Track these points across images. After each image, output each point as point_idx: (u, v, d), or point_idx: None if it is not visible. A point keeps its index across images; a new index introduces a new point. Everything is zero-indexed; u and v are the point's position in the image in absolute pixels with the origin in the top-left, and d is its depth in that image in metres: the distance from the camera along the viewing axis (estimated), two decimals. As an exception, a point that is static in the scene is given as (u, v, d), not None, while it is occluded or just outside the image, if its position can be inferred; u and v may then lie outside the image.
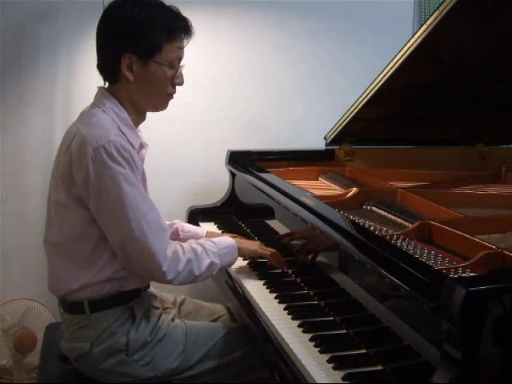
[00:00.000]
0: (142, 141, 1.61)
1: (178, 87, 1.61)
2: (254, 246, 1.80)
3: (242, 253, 1.75)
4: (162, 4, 1.55)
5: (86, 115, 1.56)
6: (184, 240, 1.89)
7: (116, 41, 1.52)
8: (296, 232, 1.87)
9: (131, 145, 1.53)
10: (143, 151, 1.64)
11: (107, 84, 1.60)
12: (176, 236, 1.93)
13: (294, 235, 1.89)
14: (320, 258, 1.71)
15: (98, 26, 1.56)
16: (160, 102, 1.60)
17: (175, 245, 1.57)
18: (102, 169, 1.44)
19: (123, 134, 1.52)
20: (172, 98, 1.62)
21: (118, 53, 1.51)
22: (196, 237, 1.93)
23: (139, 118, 1.62)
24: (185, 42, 1.57)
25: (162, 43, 1.52)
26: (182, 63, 1.59)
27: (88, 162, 1.44)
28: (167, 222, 1.94)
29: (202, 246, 1.63)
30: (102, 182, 1.45)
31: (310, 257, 1.74)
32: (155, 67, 1.53)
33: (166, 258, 1.51)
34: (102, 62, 1.57)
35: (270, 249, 1.80)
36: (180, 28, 1.54)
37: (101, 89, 1.60)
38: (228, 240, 1.72)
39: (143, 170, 1.60)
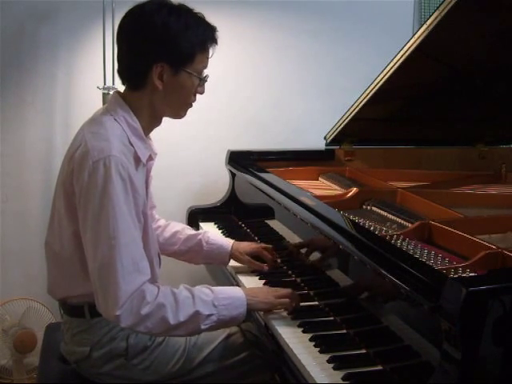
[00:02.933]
0: (151, 151, 1.57)
1: None
2: (268, 297, 1.53)
3: (253, 307, 1.51)
4: (193, 12, 1.51)
5: (95, 123, 1.50)
6: (208, 252, 1.85)
7: (150, 49, 1.46)
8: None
9: (138, 158, 1.49)
10: (151, 162, 1.59)
11: (124, 89, 1.55)
12: (199, 247, 1.85)
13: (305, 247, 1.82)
14: (320, 258, 1.70)
15: (128, 31, 1.50)
16: (181, 110, 1.58)
17: (146, 286, 1.39)
18: (95, 183, 1.38)
19: (132, 145, 1.47)
20: (192, 106, 1.59)
21: (151, 61, 1.46)
22: (220, 249, 1.86)
23: (154, 124, 1.58)
24: (211, 52, 1.56)
25: (195, 54, 1.49)
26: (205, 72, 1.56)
27: (85, 174, 1.39)
28: (192, 232, 1.89)
29: (191, 292, 1.44)
30: (91, 197, 1.38)
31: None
32: (185, 77, 1.50)
33: (127, 301, 1.35)
34: (128, 68, 1.52)
35: (285, 292, 1.56)
36: (211, 38, 1.53)
37: (115, 94, 1.55)
38: (234, 290, 1.52)
39: (144, 194, 1.52)
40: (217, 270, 2.03)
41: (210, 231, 1.95)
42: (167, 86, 1.49)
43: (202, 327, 1.43)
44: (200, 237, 1.87)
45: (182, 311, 1.40)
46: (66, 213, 1.48)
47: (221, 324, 1.47)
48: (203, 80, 1.55)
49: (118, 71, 1.55)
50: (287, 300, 1.54)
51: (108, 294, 1.36)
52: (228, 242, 1.90)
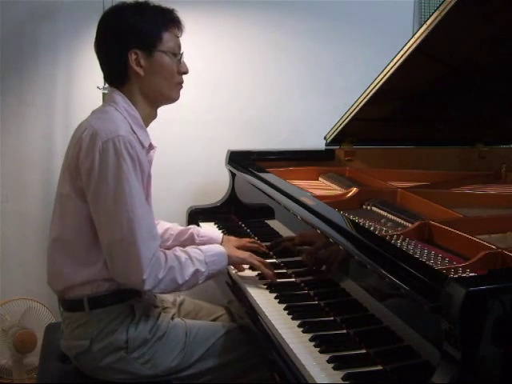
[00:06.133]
0: (151, 141, 1.64)
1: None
2: (244, 254, 1.77)
3: (231, 261, 1.72)
4: (148, 3, 1.61)
5: (98, 111, 1.61)
6: (200, 245, 1.88)
7: (118, 42, 1.57)
8: (297, 237, 1.87)
9: (141, 143, 1.56)
10: (152, 152, 1.67)
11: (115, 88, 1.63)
12: (191, 241, 1.92)
13: (295, 240, 1.87)
14: (319, 258, 1.70)
15: (97, 41, 1.61)
16: (172, 91, 1.64)
17: (158, 252, 1.54)
18: (107, 162, 1.47)
19: (134, 132, 1.55)
20: (182, 87, 1.66)
21: (124, 51, 1.56)
22: (211, 241, 1.92)
23: (151, 113, 1.66)
24: (178, 31, 1.63)
25: (160, 33, 1.58)
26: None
27: (95, 154, 1.47)
28: (182, 228, 1.97)
29: (187, 253, 1.61)
30: (104, 176, 1.47)
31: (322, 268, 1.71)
32: (161, 56, 1.59)
33: (149, 266, 1.48)
34: (108, 66, 1.62)
35: (261, 259, 1.77)
36: (171, 18, 1.61)
37: (113, 89, 1.63)
38: (217, 247, 1.70)
39: (149, 171, 1.61)
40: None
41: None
42: (148, 70, 1.58)
43: (199, 282, 1.61)
44: (191, 231, 1.94)
45: (186, 271, 1.56)
46: (71, 194, 1.55)
47: (210, 277, 1.65)
48: (179, 56, 1.62)
49: (104, 78, 1.66)
50: (258, 262, 1.73)
51: (131, 262, 1.48)
52: (218, 235, 1.98)
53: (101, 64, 1.63)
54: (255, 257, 1.77)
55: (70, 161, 1.55)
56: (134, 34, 1.56)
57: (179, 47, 1.63)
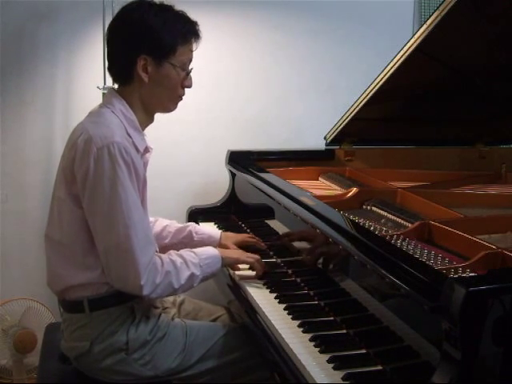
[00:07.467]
0: (147, 144, 1.63)
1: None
2: (236, 253, 1.78)
3: (225, 262, 1.72)
4: (173, 9, 1.58)
5: (94, 114, 1.58)
6: (198, 242, 1.92)
7: (132, 43, 1.54)
8: (296, 233, 1.87)
9: (136, 147, 1.55)
10: (147, 155, 1.65)
11: (117, 86, 1.62)
12: (190, 239, 1.92)
13: (293, 236, 1.89)
14: (320, 258, 1.70)
15: (111, 29, 1.59)
16: (170, 103, 1.63)
17: (155, 257, 1.53)
18: (102, 169, 1.45)
19: (129, 136, 1.54)
20: (181, 99, 1.64)
21: (134, 54, 1.53)
22: (210, 239, 1.92)
23: (148, 119, 1.64)
24: (195, 44, 1.61)
25: (176, 46, 1.56)
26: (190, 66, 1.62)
27: (90, 160, 1.46)
28: (181, 225, 1.97)
29: (182, 257, 1.60)
30: (99, 182, 1.46)
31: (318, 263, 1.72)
32: (169, 69, 1.56)
33: (146, 271, 1.48)
34: (115, 63, 1.60)
35: (253, 256, 1.78)
36: (192, 32, 1.59)
37: (111, 90, 1.62)
38: (211, 250, 1.70)
39: (145, 175, 1.59)
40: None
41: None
42: (153, 78, 1.56)
43: (194, 285, 1.62)
44: (189, 228, 1.94)
45: (181, 275, 1.56)
46: (66, 199, 1.53)
47: (204, 280, 1.65)
48: (188, 72, 1.60)
49: (108, 69, 1.62)
50: (251, 260, 1.74)
51: (128, 268, 1.48)
52: (216, 232, 1.98)
53: (108, 54, 1.61)
54: (247, 254, 1.78)
55: (65, 163, 1.54)
56: (150, 39, 1.53)
57: (190, 62, 1.61)
